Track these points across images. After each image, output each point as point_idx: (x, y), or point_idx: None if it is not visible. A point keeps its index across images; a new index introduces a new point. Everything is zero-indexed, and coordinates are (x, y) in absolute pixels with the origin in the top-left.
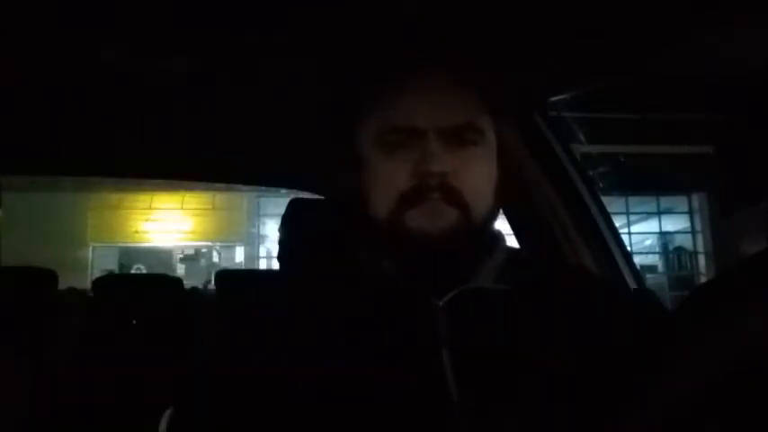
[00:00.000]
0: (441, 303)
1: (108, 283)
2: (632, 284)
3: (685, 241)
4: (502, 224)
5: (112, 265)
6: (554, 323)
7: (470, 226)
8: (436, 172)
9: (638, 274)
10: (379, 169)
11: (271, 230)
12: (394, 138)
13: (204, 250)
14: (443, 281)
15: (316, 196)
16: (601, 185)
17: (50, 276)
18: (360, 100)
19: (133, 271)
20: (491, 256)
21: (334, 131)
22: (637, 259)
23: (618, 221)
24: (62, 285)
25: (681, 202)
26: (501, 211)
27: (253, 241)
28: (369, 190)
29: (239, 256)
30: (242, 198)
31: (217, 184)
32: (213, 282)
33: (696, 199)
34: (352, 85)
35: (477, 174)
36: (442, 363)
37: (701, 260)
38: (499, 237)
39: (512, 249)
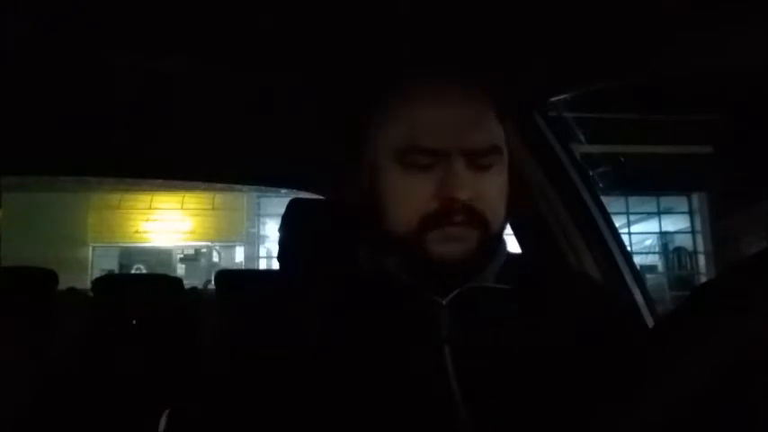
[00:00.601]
0: (444, 301)
1: (108, 283)
2: (632, 284)
3: (685, 241)
4: None
5: (112, 265)
6: (553, 322)
7: (489, 244)
8: (462, 198)
9: (638, 274)
10: (399, 185)
11: (271, 230)
12: (418, 157)
13: (204, 250)
14: (446, 280)
15: (316, 196)
16: (601, 185)
17: (50, 276)
18: (368, 104)
19: (133, 271)
20: (493, 258)
21: (340, 133)
22: (637, 259)
23: (618, 221)
24: (62, 285)
25: (681, 202)
26: None
27: (253, 241)
28: (386, 202)
29: (239, 256)
30: (242, 198)
31: (217, 184)
32: (213, 282)
33: (696, 199)
34: (355, 88)
35: (497, 194)
36: (444, 360)
37: (701, 260)
38: (500, 239)
39: (511, 252)
